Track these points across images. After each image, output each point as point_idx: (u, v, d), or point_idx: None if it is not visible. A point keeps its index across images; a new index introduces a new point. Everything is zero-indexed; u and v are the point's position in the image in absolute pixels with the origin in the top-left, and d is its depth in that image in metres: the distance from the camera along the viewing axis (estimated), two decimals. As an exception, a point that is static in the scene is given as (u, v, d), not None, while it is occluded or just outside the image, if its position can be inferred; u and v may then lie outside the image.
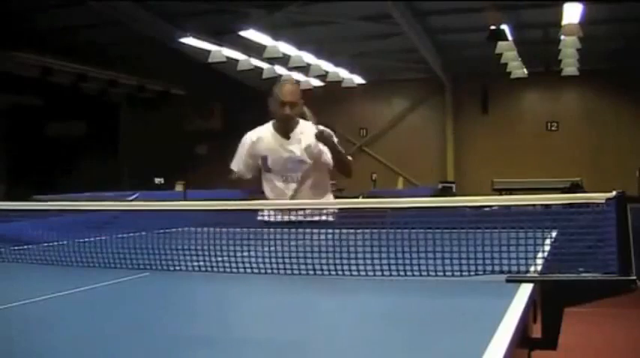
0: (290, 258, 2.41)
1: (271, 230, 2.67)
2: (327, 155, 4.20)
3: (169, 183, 13.07)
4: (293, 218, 2.98)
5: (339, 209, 3.46)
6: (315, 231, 2.58)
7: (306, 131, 4.22)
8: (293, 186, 4.19)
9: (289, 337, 1.66)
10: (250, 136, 4.37)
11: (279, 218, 3.05)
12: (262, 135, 4.31)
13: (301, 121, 4.28)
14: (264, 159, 4.27)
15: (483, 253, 2.22)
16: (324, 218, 3.41)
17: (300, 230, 2.64)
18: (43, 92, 15.37)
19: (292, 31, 12.76)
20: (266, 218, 3.23)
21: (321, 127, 4.11)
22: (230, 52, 13.43)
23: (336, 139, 4.22)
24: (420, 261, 2.27)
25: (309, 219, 3.16)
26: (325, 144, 4.13)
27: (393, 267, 2.28)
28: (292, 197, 4.14)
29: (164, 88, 17.17)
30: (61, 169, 16.98)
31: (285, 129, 4.26)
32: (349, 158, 4.42)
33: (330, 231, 2.54)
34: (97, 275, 2.47)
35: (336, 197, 4.75)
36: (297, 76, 15.86)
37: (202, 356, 1.49)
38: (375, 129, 18.53)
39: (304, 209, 3.35)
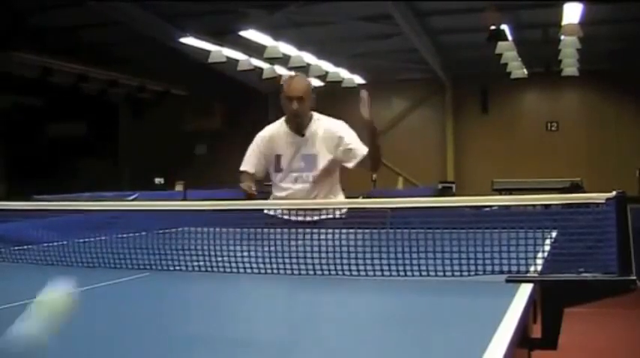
0: (290, 257, 2.41)
1: (271, 230, 2.67)
2: (355, 151, 4.00)
3: (169, 183, 13.08)
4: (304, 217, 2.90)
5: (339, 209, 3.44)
6: (315, 231, 2.57)
7: (324, 127, 4.07)
8: (305, 186, 4.01)
9: (289, 337, 1.66)
10: (263, 135, 4.17)
11: (288, 217, 3.00)
12: (275, 133, 4.13)
13: (316, 116, 4.12)
14: (277, 158, 4.09)
15: (483, 253, 2.22)
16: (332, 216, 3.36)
17: (300, 230, 2.64)
18: (43, 92, 15.38)
19: (292, 31, 12.76)
20: (273, 213, 3.16)
21: (367, 116, 3.83)
22: (230, 52, 13.43)
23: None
24: (420, 261, 2.27)
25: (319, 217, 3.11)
26: (371, 134, 3.91)
27: (393, 267, 2.28)
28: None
29: (164, 88, 17.18)
30: (60, 169, 16.99)
31: (297, 126, 4.07)
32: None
33: (330, 231, 2.54)
34: (98, 275, 2.47)
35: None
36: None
37: (202, 356, 1.49)
38: (375, 130, 18.53)
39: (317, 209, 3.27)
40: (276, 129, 4.15)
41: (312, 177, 4.03)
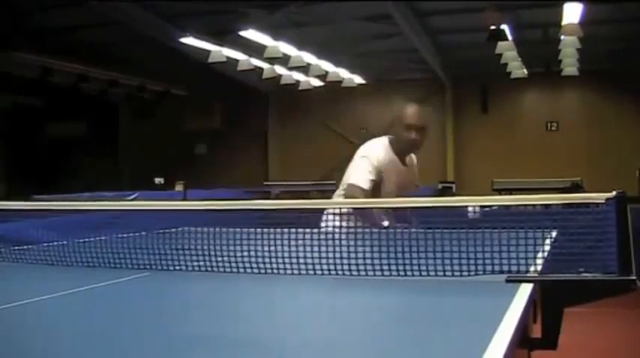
0: (290, 257, 2.41)
1: (271, 229, 2.66)
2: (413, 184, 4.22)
3: (169, 183, 13.10)
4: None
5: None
6: (315, 230, 2.57)
7: (412, 159, 4.23)
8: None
9: (289, 337, 1.66)
10: (384, 157, 4.00)
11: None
12: (389, 158, 4.02)
13: None
14: (379, 184, 3.92)
15: (483, 253, 2.22)
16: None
17: (300, 230, 2.64)
18: (43, 92, 15.38)
19: (292, 31, 12.76)
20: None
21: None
22: (230, 52, 13.43)
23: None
24: (420, 261, 2.27)
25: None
26: None
27: (393, 267, 2.28)
28: None
29: (164, 88, 17.18)
30: (60, 169, 16.99)
31: (404, 155, 4.09)
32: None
33: (331, 230, 2.54)
34: (97, 275, 2.47)
35: None
36: (298, 75, 15.86)
37: (202, 356, 1.49)
38: (375, 129, 18.51)
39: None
40: (388, 153, 4.04)
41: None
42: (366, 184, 3.85)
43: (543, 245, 2.37)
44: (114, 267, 2.58)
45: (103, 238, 2.85)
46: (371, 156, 3.97)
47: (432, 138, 20.13)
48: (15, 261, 2.80)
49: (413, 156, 4.29)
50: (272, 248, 2.52)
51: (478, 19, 11.70)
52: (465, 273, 2.21)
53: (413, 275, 2.26)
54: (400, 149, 4.06)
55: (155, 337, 1.63)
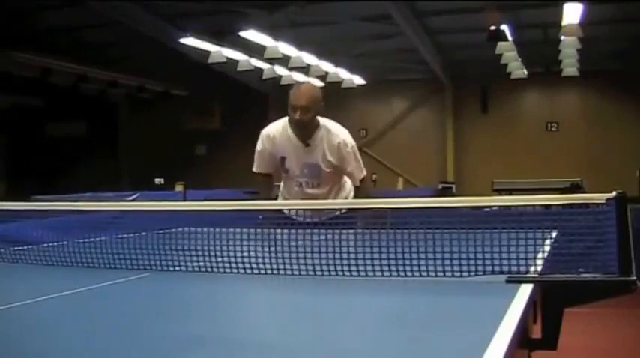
0: (290, 258, 2.41)
1: (271, 230, 2.66)
2: (349, 167, 4.05)
3: (169, 183, 13.08)
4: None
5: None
6: (315, 231, 2.57)
7: (328, 139, 4.01)
8: (308, 191, 4.03)
9: (289, 337, 1.66)
10: (267, 133, 4.12)
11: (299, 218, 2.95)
12: (278, 134, 4.07)
13: (321, 123, 4.05)
14: (282, 159, 4.08)
15: (483, 253, 2.22)
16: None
17: (300, 230, 2.64)
18: (43, 92, 15.38)
19: (292, 31, 12.75)
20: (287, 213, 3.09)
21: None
22: (230, 52, 13.43)
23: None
24: (420, 261, 2.27)
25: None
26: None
27: (393, 267, 2.28)
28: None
29: (164, 88, 17.18)
30: (60, 169, 17.00)
31: (301, 135, 4.01)
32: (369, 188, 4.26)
33: (330, 231, 2.54)
34: (97, 275, 2.47)
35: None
36: (298, 76, 15.86)
37: (202, 356, 1.49)
38: (375, 130, 18.52)
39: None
40: (280, 129, 4.08)
41: (316, 184, 4.06)
42: (258, 168, 4.17)
43: (543, 245, 2.37)
44: (114, 268, 2.58)
45: (103, 238, 2.85)
46: (261, 138, 4.14)
47: (432, 138, 20.22)
48: (15, 261, 2.80)
49: (338, 139, 4.05)
50: (272, 248, 2.53)
51: (478, 19, 11.70)
52: (465, 273, 2.21)
53: (413, 275, 2.26)
54: (292, 129, 4.04)
55: (155, 337, 1.63)
